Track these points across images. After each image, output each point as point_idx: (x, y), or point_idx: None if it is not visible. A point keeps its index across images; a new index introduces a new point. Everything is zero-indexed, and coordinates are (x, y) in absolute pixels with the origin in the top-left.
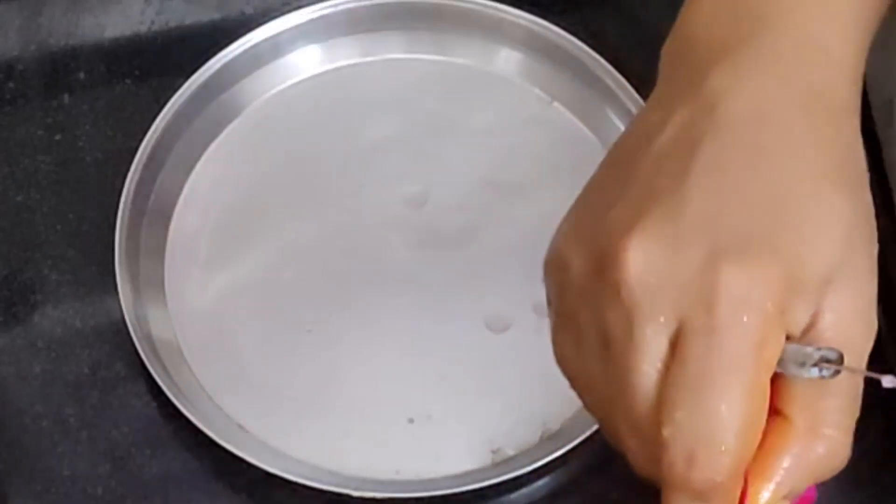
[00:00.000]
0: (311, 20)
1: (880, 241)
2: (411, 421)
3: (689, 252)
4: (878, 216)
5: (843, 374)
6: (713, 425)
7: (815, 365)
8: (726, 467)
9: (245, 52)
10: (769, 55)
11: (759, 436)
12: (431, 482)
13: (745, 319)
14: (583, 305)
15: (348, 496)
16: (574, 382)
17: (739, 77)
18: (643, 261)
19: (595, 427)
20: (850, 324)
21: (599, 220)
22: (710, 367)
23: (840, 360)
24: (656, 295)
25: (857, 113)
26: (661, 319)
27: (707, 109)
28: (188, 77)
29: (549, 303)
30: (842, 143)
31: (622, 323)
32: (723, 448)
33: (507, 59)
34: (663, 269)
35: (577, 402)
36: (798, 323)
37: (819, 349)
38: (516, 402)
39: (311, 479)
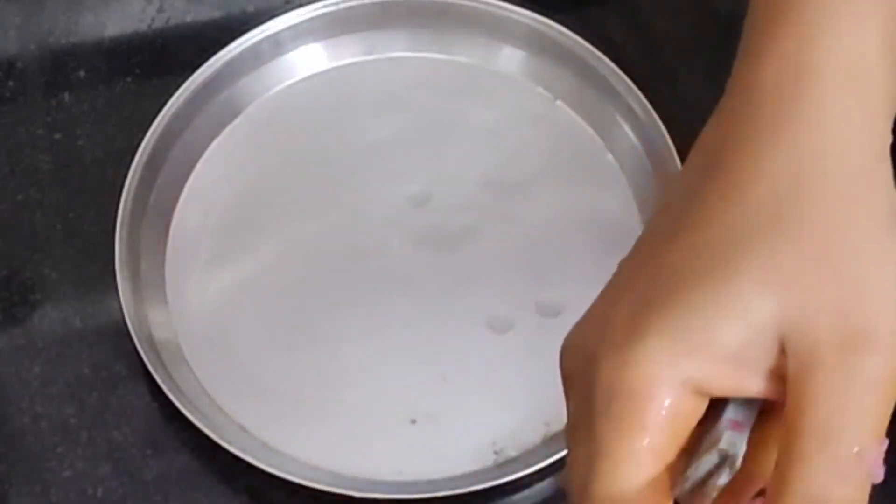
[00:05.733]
0: (313, 18)
1: None
2: (413, 422)
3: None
4: None
5: None
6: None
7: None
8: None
9: (246, 50)
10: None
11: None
12: (433, 483)
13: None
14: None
15: (349, 497)
16: None
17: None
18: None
19: None
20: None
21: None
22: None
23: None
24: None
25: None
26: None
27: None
28: (189, 76)
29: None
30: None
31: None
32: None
33: (510, 58)
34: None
35: None
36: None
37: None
38: (518, 403)
39: (312, 480)
